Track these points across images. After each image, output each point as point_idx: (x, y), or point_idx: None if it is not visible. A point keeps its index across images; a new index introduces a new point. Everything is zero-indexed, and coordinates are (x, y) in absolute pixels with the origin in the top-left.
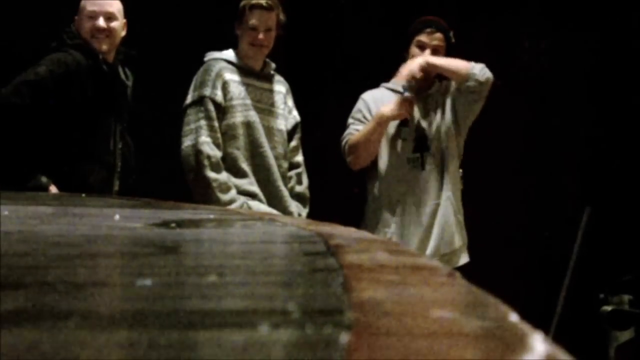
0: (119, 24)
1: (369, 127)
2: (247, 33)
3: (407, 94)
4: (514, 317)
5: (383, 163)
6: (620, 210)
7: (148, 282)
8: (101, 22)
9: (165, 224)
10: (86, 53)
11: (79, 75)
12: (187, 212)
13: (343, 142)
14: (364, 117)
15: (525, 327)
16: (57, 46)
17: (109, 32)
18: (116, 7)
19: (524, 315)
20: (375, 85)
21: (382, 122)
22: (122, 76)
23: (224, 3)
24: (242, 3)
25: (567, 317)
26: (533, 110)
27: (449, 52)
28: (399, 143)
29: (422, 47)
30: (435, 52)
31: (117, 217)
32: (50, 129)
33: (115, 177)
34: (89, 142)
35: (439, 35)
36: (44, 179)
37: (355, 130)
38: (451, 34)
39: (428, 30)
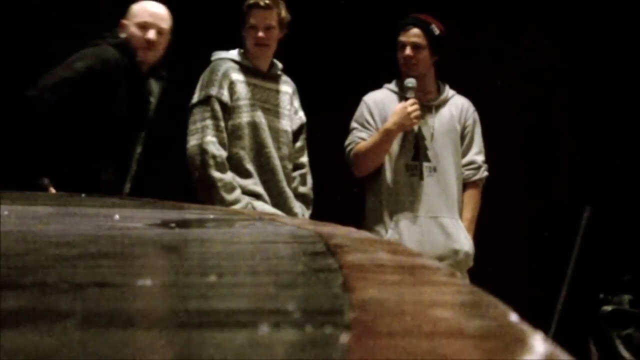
0: (166, 40)
1: (375, 140)
2: (249, 33)
3: (409, 94)
4: (514, 317)
5: (384, 165)
6: (620, 210)
7: (148, 282)
8: (152, 34)
9: (165, 224)
10: (124, 53)
11: (115, 73)
12: (187, 212)
13: (347, 150)
14: (367, 121)
15: (525, 327)
16: (96, 43)
17: (157, 46)
18: (169, 24)
19: (524, 315)
20: (377, 85)
21: (388, 137)
22: (151, 88)
23: (231, 2)
24: (244, 4)
25: (567, 317)
26: (533, 110)
27: (437, 45)
28: (400, 147)
29: (403, 46)
30: (415, 48)
31: (117, 217)
32: (75, 121)
33: (128, 179)
34: (109, 139)
35: (415, 30)
36: (45, 181)
37: (359, 137)
38: (433, 27)
39: (404, 27)
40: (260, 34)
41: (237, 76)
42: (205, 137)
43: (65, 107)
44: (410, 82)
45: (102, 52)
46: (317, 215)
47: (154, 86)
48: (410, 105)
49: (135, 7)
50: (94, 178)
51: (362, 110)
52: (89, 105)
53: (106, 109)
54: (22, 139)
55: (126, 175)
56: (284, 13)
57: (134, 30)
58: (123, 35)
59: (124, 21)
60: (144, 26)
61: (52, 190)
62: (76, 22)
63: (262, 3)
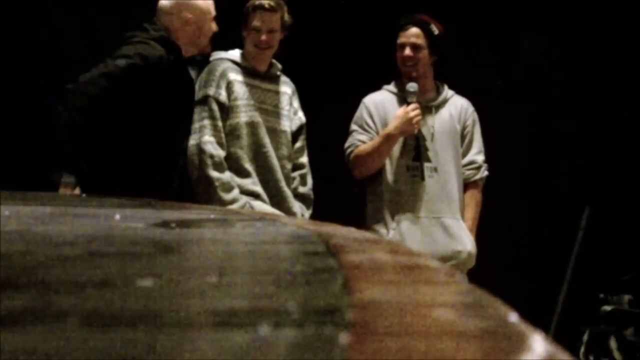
0: None
1: (375, 144)
2: (250, 34)
3: (410, 99)
4: (514, 317)
5: (385, 166)
6: (620, 210)
7: (148, 282)
8: (215, 26)
9: (165, 224)
10: (168, 47)
11: (160, 69)
12: (187, 212)
13: (347, 152)
14: (367, 123)
15: (525, 327)
16: (138, 37)
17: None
18: None
19: (524, 315)
20: (376, 85)
21: (389, 141)
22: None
23: (231, 3)
24: (247, 5)
25: (567, 317)
26: (533, 110)
27: (436, 45)
28: (401, 148)
29: (402, 46)
30: (414, 49)
31: (117, 217)
32: (125, 123)
33: (176, 174)
34: (159, 137)
35: (414, 30)
36: (63, 177)
37: (359, 140)
38: (432, 26)
39: (404, 27)
40: (264, 37)
41: (235, 76)
42: (203, 136)
43: (105, 101)
44: (412, 86)
45: (144, 49)
46: (317, 215)
47: (191, 72)
48: (412, 110)
49: (204, 4)
50: (146, 179)
51: (361, 112)
52: (135, 104)
53: (153, 106)
54: (54, 132)
55: (176, 170)
56: (286, 16)
57: (213, 25)
58: (202, 32)
59: (176, 12)
60: (212, 20)
61: (64, 189)
62: (86, 20)
63: (267, 5)
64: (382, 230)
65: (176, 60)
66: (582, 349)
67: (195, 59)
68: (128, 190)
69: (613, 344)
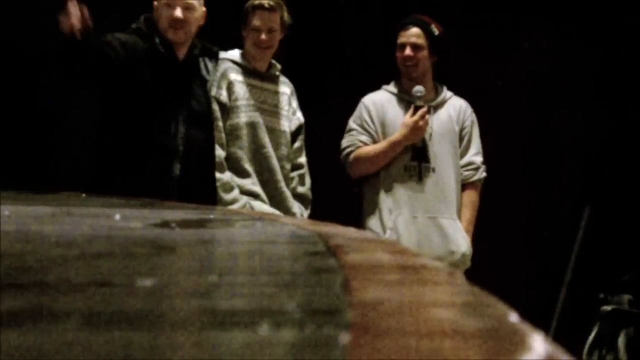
0: (197, 15)
1: (379, 149)
2: (250, 34)
3: (417, 103)
4: (514, 317)
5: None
6: (620, 210)
7: (148, 282)
8: (178, 12)
9: (165, 224)
10: (143, 36)
11: (135, 56)
12: (187, 212)
13: (345, 152)
14: (367, 123)
15: (525, 327)
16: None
17: (185, 23)
18: None
19: (524, 315)
20: (376, 85)
21: (395, 148)
22: (203, 70)
23: (231, 3)
24: (246, 4)
25: (567, 317)
26: (533, 110)
27: (436, 46)
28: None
29: (402, 46)
30: (415, 48)
31: (117, 217)
32: (106, 111)
33: (176, 161)
34: (145, 125)
35: (415, 30)
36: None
37: (359, 141)
38: (432, 27)
39: (404, 27)
40: (263, 36)
41: (236, 76)
42: None
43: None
44: (419, 90)
45: (121, 36)
46: (317, 215)
47: (209, 64)
48: (421, 118)
49: None
50: (139, 166)
51: (360, 111)
52: (115, 90)
53: (133, 93)
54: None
55: (173, 157)
56: (286, 16)
57: (162, 11)
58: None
59: (155, 2)
60: (169, 4)
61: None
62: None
63: (266, 5)
64: (379, 230)
65: (151, 48)
66: (589, 343)
67: (210, 50)
68: (123, 177)
69: (621, 341)
